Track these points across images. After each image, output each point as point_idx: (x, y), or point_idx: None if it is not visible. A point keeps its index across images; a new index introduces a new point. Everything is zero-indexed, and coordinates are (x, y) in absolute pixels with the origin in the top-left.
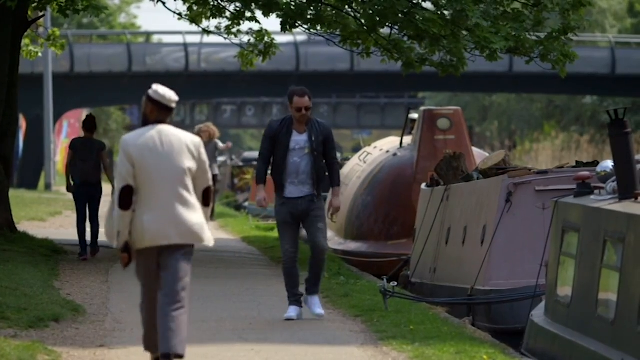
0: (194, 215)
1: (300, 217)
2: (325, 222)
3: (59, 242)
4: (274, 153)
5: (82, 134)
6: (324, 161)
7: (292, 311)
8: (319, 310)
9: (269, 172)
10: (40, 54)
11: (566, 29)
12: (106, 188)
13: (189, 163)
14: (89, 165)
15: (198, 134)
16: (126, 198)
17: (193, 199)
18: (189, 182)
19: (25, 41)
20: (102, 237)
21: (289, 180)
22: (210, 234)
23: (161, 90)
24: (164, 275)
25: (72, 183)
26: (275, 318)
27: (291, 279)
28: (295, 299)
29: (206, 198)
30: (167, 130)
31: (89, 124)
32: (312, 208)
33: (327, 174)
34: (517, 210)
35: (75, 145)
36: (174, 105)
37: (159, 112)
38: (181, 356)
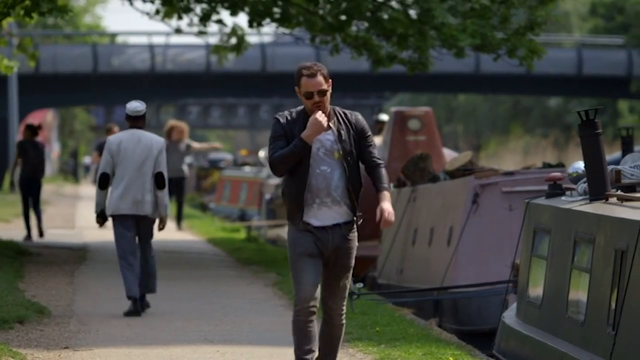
0: (147, 195)
1: (329, 255)
2: (351, 272)
3: (23, 243)
4: None
5: (54, 135)
6: (363, 167)
7: None
8: None
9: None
10: (15, 70)
11: (533, 25)
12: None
13: (152, 158)
14: (37, 161)
15: (169, 130)
16: (103, 181)
17: (150, 185)
18: (149, 171)
19: None
20: (69, 239)
21: (317, 200)
22: (160, 210)
23: (129, 105)
24: (139, 241)
25: (14, 182)
26: (240, 319)
27: (304, 338)
28: None
29: (158, 179)
30: (140, 133)
31: (35, 129)
32: (344, 249)
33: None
34: (484, 211)
35: (24, 146)
36: (139, 113)
37: (132, 120)
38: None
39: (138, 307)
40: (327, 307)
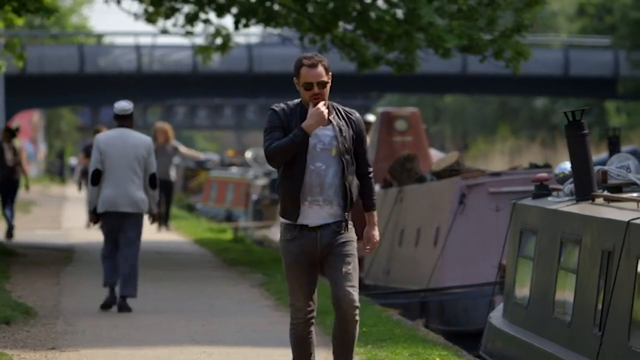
0: (139, 192)
1: (322, 255)
2: (356, 262)
3: (8, 242)
4: None
5: (40, 136)
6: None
7: None
8: None
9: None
10: (3, 69)
11: (519, 27)
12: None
13: (140, 156)
14: (14, 164)
15: (154, 134)
16: (95, 178)
17: (140, 181)
18: (139, 169)
19: None
20: (55, 239)
21: (309, 198)
22: (151, 205)
23: (116, 104)
24: (122, 237)
25: None
26: (227, 320)
27: (303, 351)
28: None
29: (151, 181)
30: (127, 132)
31: (14, 132)
32: (338, 241)
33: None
34: (471, 211)
35: (1, 148)
36: (127, 112)
37: (119, 120)
38: (133, 297)
39: (114, 295)
40: (337, 300)
